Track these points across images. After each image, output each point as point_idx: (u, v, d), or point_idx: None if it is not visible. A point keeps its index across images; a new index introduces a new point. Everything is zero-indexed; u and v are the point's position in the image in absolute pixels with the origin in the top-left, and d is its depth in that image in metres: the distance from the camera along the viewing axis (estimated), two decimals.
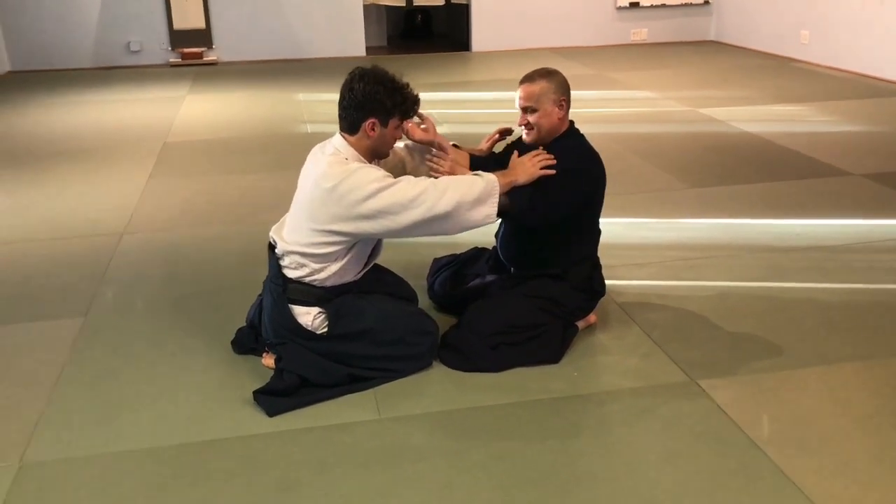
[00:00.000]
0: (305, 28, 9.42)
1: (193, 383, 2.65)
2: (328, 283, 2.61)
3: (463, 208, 2.51)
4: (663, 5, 10.08)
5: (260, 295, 2.83)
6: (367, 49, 9.74)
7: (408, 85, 2.61)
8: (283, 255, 2.61)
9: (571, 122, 2.83)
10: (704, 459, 2.24)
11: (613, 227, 3.94)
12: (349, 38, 9.57)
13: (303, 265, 2.59)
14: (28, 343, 2.95)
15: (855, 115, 6.25)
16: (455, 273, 3.12)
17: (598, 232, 2.95)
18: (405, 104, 2.59)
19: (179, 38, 9.18)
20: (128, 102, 7.23)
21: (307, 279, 2.59)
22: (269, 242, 2.68)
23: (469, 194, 2.51)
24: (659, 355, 2.79)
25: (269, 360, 2.72)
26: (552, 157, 2.66)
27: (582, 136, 2.84)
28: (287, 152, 5.45)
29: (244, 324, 2.91)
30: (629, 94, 7.21)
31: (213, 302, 3.24)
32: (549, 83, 2.71)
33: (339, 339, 2.62)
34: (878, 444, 2.30)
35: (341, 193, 2.47)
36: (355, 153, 2.59)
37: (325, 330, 2.61)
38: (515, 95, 2.75)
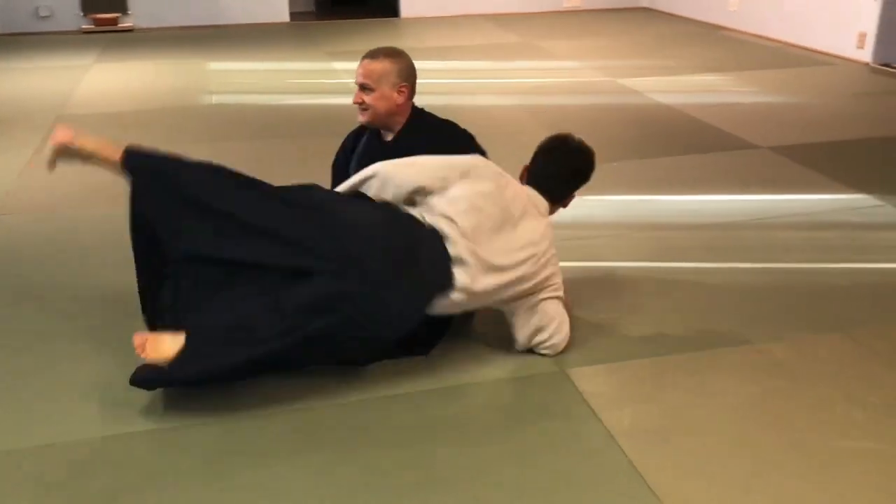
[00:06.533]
0: None
1: None
2: None
3: None
4: None
5: None
6: (292, 15, 9.44)
7: None
8: None
9: (417, 109, 2.74)
10: (556, 454, 2.14)
11: None
12: (272, 3, 9.25)
13: None
14: None
15: (774, 85, 6.20)
16: None
17: None
18: None
19: (92, 3, 8.78)
20: (27, 71, 6.87)
21: None
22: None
23: None
24: None
25: None
26: None
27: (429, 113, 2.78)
28: (186, 126, 5.22)
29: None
30: (552, 63, 7.06)
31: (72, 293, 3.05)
32: (393, 65, 2.60)
33: None
34: (736, 438, 2.22)
35: None
36: None
37: None
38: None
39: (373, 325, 2.28)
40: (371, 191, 2.50)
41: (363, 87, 2.61)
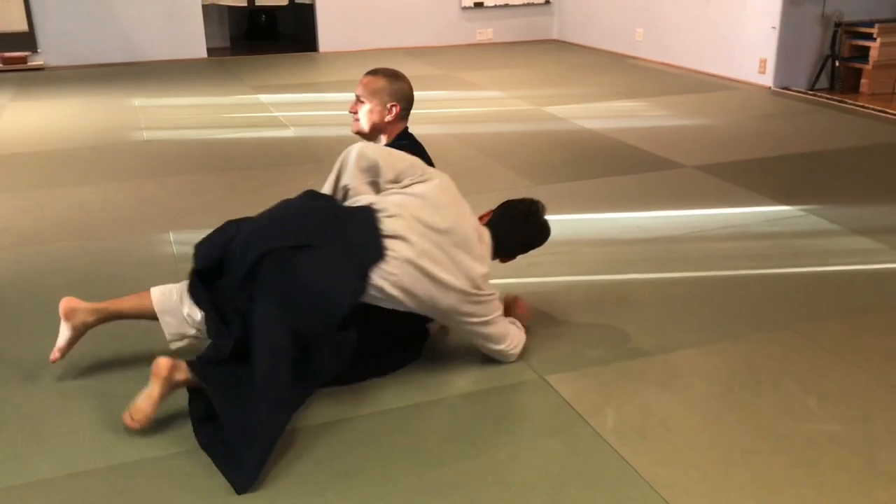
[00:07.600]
0: (141, 29, 8.99)
1: None
2: None
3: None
4: (507, 5, 10.30)
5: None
6: (209, 51, 9.42)
7: None
8: None
9: (406, 129, 2.89)
10: (552, 455, 2.27)
11: None
12: (188, 40, 9.21)
13: None
14: None
15: (687, 109, 6.59)
16: None
17: None
18: None
19: None
20: None
21: None
22: None
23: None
24: None
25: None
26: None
27: (413, 136, 2.92)
28: (122, 162, 5.17)
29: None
30: (477, 94, 7.30)
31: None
32: (389, 84, 2.78)
33: None
34: (712, 429, 2.40)
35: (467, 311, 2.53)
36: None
37: None
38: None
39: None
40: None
41: (358, 99, 2.80)
